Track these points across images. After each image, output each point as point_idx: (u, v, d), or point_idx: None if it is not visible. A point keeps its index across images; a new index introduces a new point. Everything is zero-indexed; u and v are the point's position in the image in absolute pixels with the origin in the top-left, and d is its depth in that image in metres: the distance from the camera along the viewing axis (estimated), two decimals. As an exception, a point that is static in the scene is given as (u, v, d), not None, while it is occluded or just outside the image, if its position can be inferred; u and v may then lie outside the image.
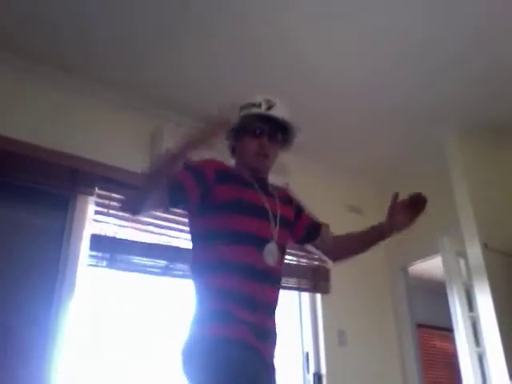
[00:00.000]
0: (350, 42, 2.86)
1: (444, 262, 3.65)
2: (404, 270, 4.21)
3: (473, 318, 3.41)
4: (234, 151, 1.83)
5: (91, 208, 2.83)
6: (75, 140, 2.91)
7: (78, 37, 2.78)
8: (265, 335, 1.57)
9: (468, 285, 3.46)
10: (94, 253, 2.76)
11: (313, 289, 3.68)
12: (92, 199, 2.84)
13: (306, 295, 3.77)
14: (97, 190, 2.84)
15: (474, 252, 3.26)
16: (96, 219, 2.82)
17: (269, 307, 1.63)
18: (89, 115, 3.07)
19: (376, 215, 4.40)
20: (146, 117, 3.24)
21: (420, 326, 4.62)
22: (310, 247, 2.05)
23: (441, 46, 2.88)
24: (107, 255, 2.81)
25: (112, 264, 2.81)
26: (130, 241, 2.92)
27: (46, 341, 2.51)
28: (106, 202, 2.86)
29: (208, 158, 1.70)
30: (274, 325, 1.65)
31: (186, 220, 1.78)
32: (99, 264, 2.78)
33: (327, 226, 2.06)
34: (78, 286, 2.68)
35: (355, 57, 2.99)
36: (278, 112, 1.74)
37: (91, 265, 2.74)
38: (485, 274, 3.16)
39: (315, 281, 3.67)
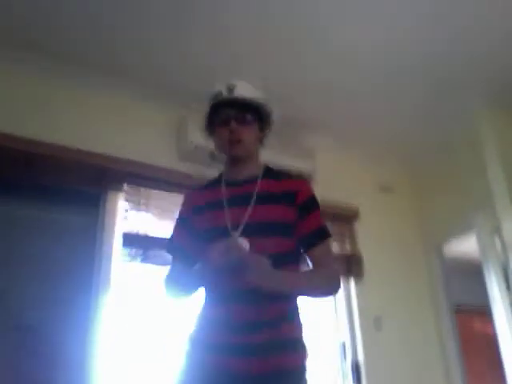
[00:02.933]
0: (373, 7, 2.72)
1: (479, 239, 3.55)
2: (439, 249, 4.13)
3: (511, 298, 3.32)
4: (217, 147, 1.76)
5: (121, 204, 2.86)
6: (101, 138, 2.94)
7: (96, 35, 2.79)
8: (248, 350, 1.48)
9: (504, 263, 3.38)
10: (127, 250, 2.81)
11: (346, 275, 3.65)
12: (122, 195, 2.87)
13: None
14: (125, 187, 2.88)
15: (509, 226, 3.19)
16: (127, 216, 2.86)
17: (254, 322, 1.51)
18: (112, 112, 3.09)
19: (408, 193, 4.39)
20: (170, 110, 3.25)
21: (458, 306, 4.52)
22: None
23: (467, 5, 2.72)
24: (140, 251, 2.84)
25: (146, 259, 2.85)
26: (162, 238, 2.93)
27: (83, 335, 2.55)
28: (136, 197, 2.89)
29: (184, 196, 1.80)
30: (276, 337, 1.53)
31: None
32: (133, 260, 2.82)
33: (326, 246, 1.70)
34: (113, 282, 2.71)
35: (380, 25, 2.86)
36: (239, 92, 1.65)
37: (125, 261, 2.78)
38: (522, 250, 3.10)
39: (348, 267, 3.65)
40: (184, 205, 1.77)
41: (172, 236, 1.78)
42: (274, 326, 1.53)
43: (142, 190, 2.91)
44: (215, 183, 1.76)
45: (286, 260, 1.60)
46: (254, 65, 3.08)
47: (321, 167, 3.59)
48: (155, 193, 2.97)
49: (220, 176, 1.78)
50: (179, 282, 1.68)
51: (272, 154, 3.19)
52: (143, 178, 2.92)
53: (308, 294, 1.67)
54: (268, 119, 1.75)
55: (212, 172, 1.90)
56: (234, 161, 1.71)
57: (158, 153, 3.09)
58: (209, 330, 1.56)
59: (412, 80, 3.33)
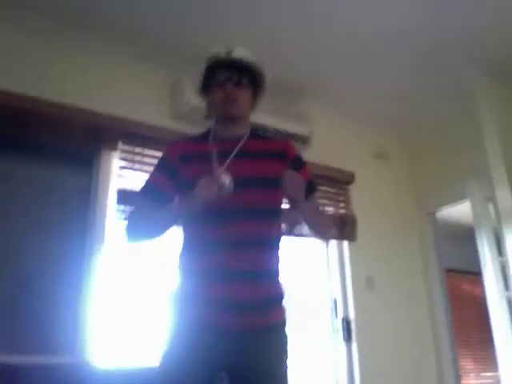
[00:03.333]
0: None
1: (473, 206, 3.58)
2: (432, 215, 4.18)
3: (502, 263, 3.38)
4: (206, 110, 1.81)
5: (116, 163, 2.85)
6: (96, 96, 2.90)
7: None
8: (240, 307, 1.55)
9: (497, 229, 3.42)
10: (121, 207, 2.79)
11: (340, 236, 3.68)
12: (116, 154, 2.85)
13: (333, 243, 3.78)
14: (120, 145, 2.86)
15: (504, 195, 3.21)
16: (121, 174, 2.85)
17: (252, 275, 1.58)
18: (108, 70, 3.04)
19: (403, 161, 4.43)
20: (166, 68, 3.19)
21: (449, 270, 4.60)
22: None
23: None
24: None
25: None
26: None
27: (77, 291, 2.60)
28: (131, 156, 2.87)
29: (168, 145, 1.78)
30: (264, 292, 1.60)
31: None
32: (127, 218, 2.81)
33: (315, 200, 1.86)
34: (106, 239, 2.73)
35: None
36: (237, 55, 1.70)
37: (119, 219, 2.78)
38: (514, 218, 3.12)
39: (342, 228, 3.67)
40: (170, 153, 1.75)
41: (150, 179, 1.73)
42: (266, 279, 1.62)
43: (137, 149, 2.89)
44: (202, 138, 1.77)
45: (271, 213, 1.68)
46: (250, 25, 3.00)
47: (317, 132, 3.56)
48: (150, 152, 2.94)
49: (207, 132, 1.79)
50: (152, 218, 1.64)
51: (269, 117, 3.19)
52: (138, 137, 2.89)
53: (316, 227, 1.79)
54: (262, 85, 1.79)
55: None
56: (226, 119, 1.73)
57: (154, 112, 3.06)
58: (200, 283, 1.58)
59: (412, 48, 3.29)
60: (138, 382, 2.25)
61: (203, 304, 1.55)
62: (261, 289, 1.59)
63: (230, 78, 1.69)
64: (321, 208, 1.81)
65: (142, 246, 1.76)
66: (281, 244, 1.72)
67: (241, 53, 1.71)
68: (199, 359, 1.51)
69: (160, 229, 1.64)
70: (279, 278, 1.67)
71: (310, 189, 1.76)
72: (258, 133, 1.84)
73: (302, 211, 1.70)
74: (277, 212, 1.73)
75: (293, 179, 1.60)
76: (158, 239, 1.68)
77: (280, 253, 1.70)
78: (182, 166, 1.68)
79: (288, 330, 1.66)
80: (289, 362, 1.61)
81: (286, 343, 1.63)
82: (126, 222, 1.70)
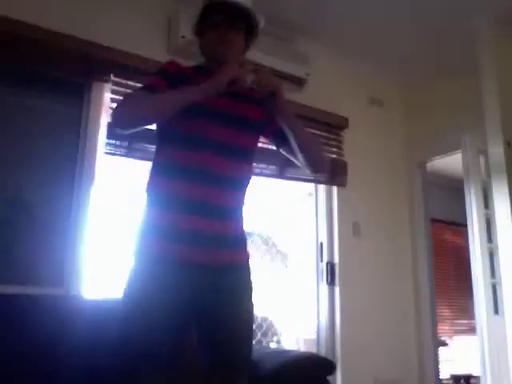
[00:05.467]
0: None
1: (464, 158, 3.60)
2: (422, 165, 4.20)
3: (487, 215, 3.43)
4: (200, 47, 1.80)
5: (107, 96, 2.78)
6: (89, 25, 2.79)
7: None
8: (217, 242, 1.57)
9: (486, 183, 3.45)
10: (111, 141, 2.75)
11: (330, 181, 3.69)
12: (108, 86, 2.78)
13: (322, 188, 3.80)
14: (112, 77, 2.78)
15: (496, 150, 3.21)
16: (113, 107, 2.79)
17: (225, 212, 1.61)
18: (104, 1, 2.91)
19: (397, 109, 4.40)
20: (163, 3, 3.08)
21: (434, 220, 4.68)
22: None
23: None
24: (125, 143, 2.79)
25: (130, 153, 2.80)
26: (147, 129, 2.88)
27: (68, 219, 2.61)
28: (123, 89, 2.80)
29: (169, 60, 1.74)
30: (234, 229, 1.65)
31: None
32: (117, 152, 2.78)
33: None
34: (96, 172, 2.71)
35: None
36: None
37: (109, 153, 2.74)
38: (504, 173, 3.13)
39: (332, 173, 3.67)
40: (170, 67, 1.70)
41: (151, 82, 1.63)
42: (239, 217, 1.68)
43: (130, 82, 2.81)
44: (195, 70, 1.77)
45: (250, 155, 1.74)
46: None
47: (313, 74, 3.50)
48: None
49: (199, 68, 1.78)
50: (156, 98, 1.56)
51: (265, 56, 3.11)
52: (131, 70, 2.80)
53: (311, 150, 1.80)
54: (254, 32, 1.80)
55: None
56: (219, 60, 1.70)
57: (149, 45, 2.96)
58: (171, 213, 1.55)
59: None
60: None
61: (173, 237, 1.53)
62: (233, 226, 1.63)
63: (225, 20, 1.70)
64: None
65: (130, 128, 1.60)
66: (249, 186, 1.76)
67: None
68: (170, 302, 1.49)
69: (165, 107, 1.56)
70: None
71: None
72: None
73: (295, 130, 1.73)
74: (253, 154, 1.76)
75: (284, 99, 1.67)
76: (155, 121, 1.65)
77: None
78: (179, 85, 1.63)
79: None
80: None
81: (252, 280, 1.70)
82: (121, 103, 1.66)
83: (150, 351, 1.46)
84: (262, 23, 1.78)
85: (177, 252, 1.51)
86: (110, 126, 1.62)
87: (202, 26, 1.75)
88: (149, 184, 1.65)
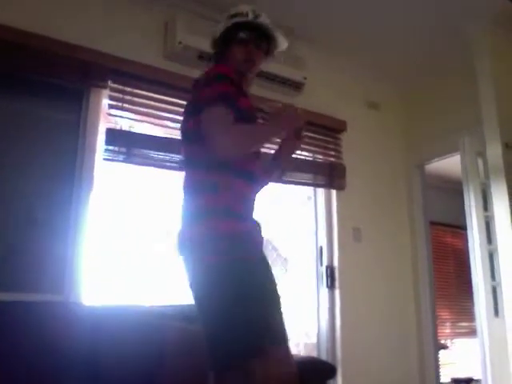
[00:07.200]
0: None
1: (462, 160, 3.61)
2: (421, 167, 4.19)
3: (487, 218, 3.43)
4: (219, 59, 1.91)
5: (105, 102, 2.78)
6: (87, 32, 2.79)
7: None
8: None
9: (485, 184, 3.45)
10: (110, 147, 2.74)
11: (328, 185, 3.69)
12: (105, 93, 2.78)
13: (321, 191, 3.80)
14: (110, 84, 2.78)
15: (494, 151, 3.20)
16: (110, 113, 2.79)
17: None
18: (101, 6, 2.92)
19: (395, 112, 4.39)
20: (159, 7, 3.08)
21: (433, 223, 4.68)
22: None
23: None
24: (123, 149, 2.79)
25: (128, 158, 2.81)
26: (146, 135, 2.90)
27: (67, 226, 2.61)
28: (120, 95, 2.81)
29: (223, 73, 1.73)
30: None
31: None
32: (115, 158, 2.78)
33: None
34: (95, 178, 2.71)
35: None
36: (264, 21, 1.86)
37: (107, 159, 2.74)
38: (503, 174, 3.13)
39: (331, 177, 3.67)
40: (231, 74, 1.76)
41: (228, 90, 1.67)
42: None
43: (128, 88, 2.82)
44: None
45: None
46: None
47: (310, 78, 3.50)
48: (140, 92, 2.88)
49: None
50: (254, 132, 1.73)
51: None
52: (128, 76, 2.81)
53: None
54: (273, 52, 1.96)
55: (199, 73, 1.87)
56: (243, 77, 1.85)
57: (145, 51, 2.96)
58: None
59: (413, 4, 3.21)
60: (125, 320, 2.28)
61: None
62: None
63: (254, 39, 1.84)
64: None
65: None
66: None
67: (266, 20, 1.87)
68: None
69: (260, 142, 1.79)
70: None
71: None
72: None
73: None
74: None
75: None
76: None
77: None
78: (238, 97, 1.72)
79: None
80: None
81: None
82: (230, 132, 1.62)
83: (280, 328, 1.62)
84: (284, 46, 1.95)
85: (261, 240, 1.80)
86: (216, 152, 1.61)
87: (230, 40, 1.85)
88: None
